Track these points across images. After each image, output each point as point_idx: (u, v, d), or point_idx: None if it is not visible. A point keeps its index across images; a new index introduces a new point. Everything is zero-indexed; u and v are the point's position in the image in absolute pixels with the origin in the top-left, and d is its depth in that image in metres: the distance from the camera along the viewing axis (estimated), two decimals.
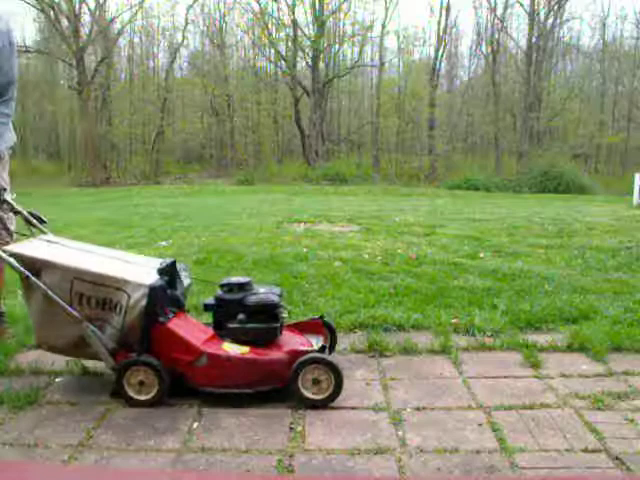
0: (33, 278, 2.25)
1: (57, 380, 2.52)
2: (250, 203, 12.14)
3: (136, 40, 31.92)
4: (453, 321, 3.19)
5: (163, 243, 5.93)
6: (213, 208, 11.00)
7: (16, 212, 2.58)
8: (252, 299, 2.41)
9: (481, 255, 5.28)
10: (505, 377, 2.54)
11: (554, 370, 2.61)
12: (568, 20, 30.36)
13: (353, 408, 2.24)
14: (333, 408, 2.24)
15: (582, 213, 9.98)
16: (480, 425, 2.09)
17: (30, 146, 30.12)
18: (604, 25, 33.07)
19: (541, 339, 2.95)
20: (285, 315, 2.53)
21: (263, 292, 2.47)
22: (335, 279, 4.16)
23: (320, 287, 3.93)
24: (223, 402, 2.28)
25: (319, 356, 2.28)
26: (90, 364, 2.63)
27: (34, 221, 2.57)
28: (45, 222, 2.60)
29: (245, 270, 4.45)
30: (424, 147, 30.75)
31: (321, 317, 2.65)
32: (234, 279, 2.54)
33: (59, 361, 2.66)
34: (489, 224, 7.83)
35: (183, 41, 30.73)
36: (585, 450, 1.91)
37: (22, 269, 2.25)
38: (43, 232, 2.60)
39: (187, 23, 29.58)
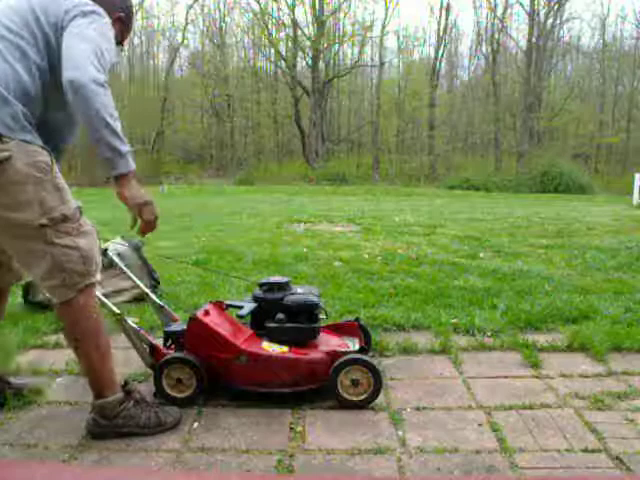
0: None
1: (57, 380, 2.52)
2: (250, 203, 12.15)
3: (136, 40, 31.95)
4: (453, 321, 3.19)
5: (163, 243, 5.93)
6: (213, 208, 11.01)
7: None
8: (292, 299, 2.41)
9: (481, 255, 5.28)
10: (505, 377, 2.54)
11: (554, 370, 2.60)
12: (568, 20, 30.38)
13: (353, 408, 2.24)
14: (333, 408, 2.24)
15: (582, 213, 9.99)
16: (480, 425, 2.09)
17: None
18: (604, 25, 33.07)
19: (541, 339, 2.95)
20: (323, 316, 2.53)
21: (303, 292, 2.47)
22: (335, 279, 4.16)
23: (320, 287, 3.92)
24: (223, 402, 2.28)
25: (359, 357, 2.27)
26: None
27: None
28: None
29: (245, 270, 4.45)
30: (424, 147, 30.76)
31: (357, 319, 2.64)
32: (273, 279, 2.55)
33: (59, 361, 2.66)
34: (489, 224, 7.84)
35: (183, 41, 30.75)
36: (585, 450, 1.91)
37: None
38: None
39: (187, 23, 29.62)
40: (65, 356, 2.72)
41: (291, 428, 2.08)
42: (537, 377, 2.54)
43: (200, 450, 1.93)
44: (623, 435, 2.01)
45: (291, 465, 1.84)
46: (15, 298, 3.65)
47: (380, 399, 2.28)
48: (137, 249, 3.74)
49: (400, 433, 2.04)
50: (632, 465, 1.82)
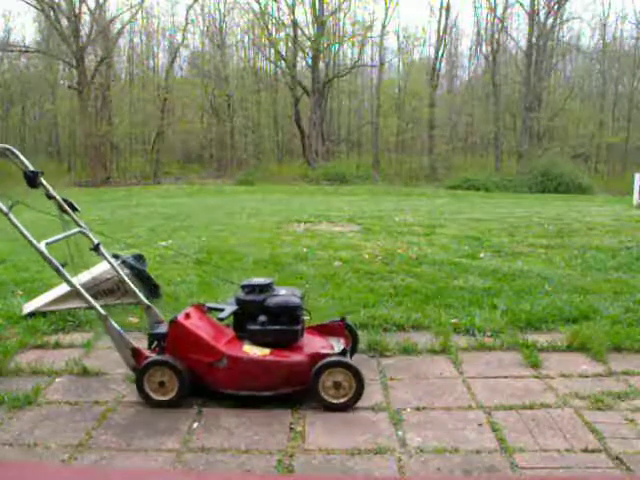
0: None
1: (57, 380, 2.52)
2: (250, 203, 12.13)
3: (136, 40, 31.95)
4: (453, 321, 3.19)
5: (163, 243, 5.93)
6: (213, 208, 10.99)
7: (50, 197, 2.55)
8: (273, 301, 2.40)
9: (481, 255, 5.28)
10: (505, 377, 2.54)
11: (554, 370, 2.60)
12: (568, 20, 30.34)
13: (353, 408, 2.24)
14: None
15: (582, 213, 9.98)
16: (480, 425, 2.09)
17: (30, 146, 30.12)
18: (604, 25, 33.01)
19: (541, 339, 2.95)
20: (306, 317, 2.51)
21: (284, 294, 2.45)
22: (335, 279, 4.15)
23: (320, 287, 3.92)
24: (223, 402, 2.28)
25: (340, 359, 2.25)
26: (90, 364, 2.63)
27: (67, 208, 2.56)
28: (78, 210, 2.58)
29: (245, 270, 4.45)
30: (424, 147, 30.73)
31: (343, 319, 2.62)
32: (255, 280, 2.52)
33: (59, 361, 2.66)
34: (489, 224, 7.83)
35: (183, 41, 30.72)
36: (585, 450, 1.91)
37: None
38: (75, 220, 2.59)
39: (187, 23, 29.58)
40: (65, 356, 2.72)
41: (291, 428, 2.08)
42: (537, 377, 2.54)
43: (200, 450, 1.93)
44: (623, 435, 2.01)
45: (291, 465, 1.84)
46: (14, 297, 3.65)
47: (380, 399, 2.28)
48: (137, 260, 3.70)
49: (400, 433, 2.04)
50: (632, 465, 1.82)
